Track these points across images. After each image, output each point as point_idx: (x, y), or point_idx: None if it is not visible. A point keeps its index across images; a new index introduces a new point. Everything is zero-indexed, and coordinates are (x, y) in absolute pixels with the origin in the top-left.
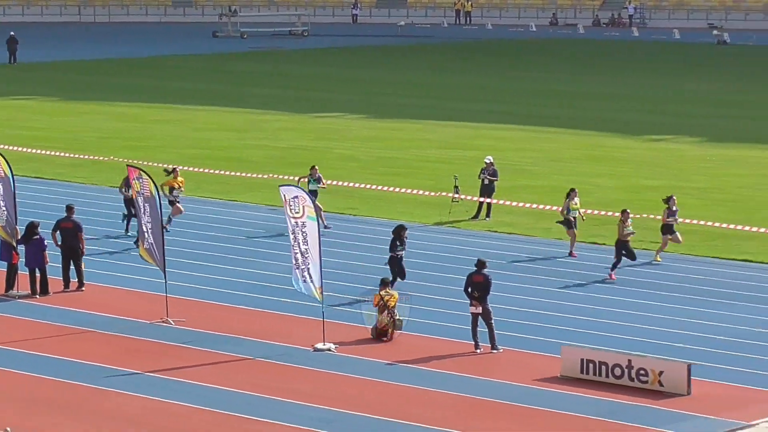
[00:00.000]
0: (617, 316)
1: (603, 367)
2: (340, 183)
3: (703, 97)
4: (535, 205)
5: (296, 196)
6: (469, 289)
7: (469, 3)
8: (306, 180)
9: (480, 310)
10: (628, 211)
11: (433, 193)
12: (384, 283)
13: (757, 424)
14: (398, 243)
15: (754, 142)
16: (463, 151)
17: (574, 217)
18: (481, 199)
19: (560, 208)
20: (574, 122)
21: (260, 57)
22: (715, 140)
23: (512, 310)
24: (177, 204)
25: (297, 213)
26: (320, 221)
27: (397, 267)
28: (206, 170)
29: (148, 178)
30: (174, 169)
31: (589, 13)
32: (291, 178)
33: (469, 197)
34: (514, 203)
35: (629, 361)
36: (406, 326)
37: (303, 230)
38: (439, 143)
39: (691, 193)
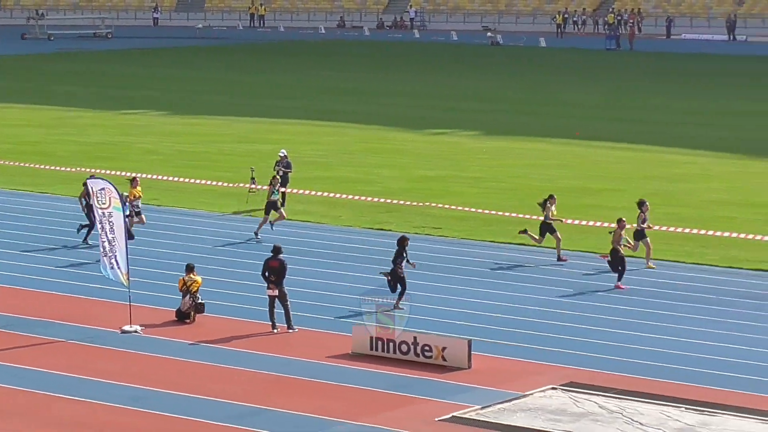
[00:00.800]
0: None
1: (391, 344)
2: (143, 176)
3: (478, 93)
4: (326, 194)
5: (103, 188)
6: (266, 273)
7: (263, 7)
8: (269, 189)
9: (276, 292)
10: (624, 220)
11: (231, 185)
12: (189, 269)
13: (531, 394)
14: (404, 255)
15: (523, 134)
16: (258, 145)
17: (550, 222)
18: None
19: (551, 216)
20: (360, 117)
21: (67, 57)
22: (490, 133)
23: (307, 293)
24: (141, 215)
25: (104, 204)
26: (259, 227)
27: (398, 277)
28: (17, 163)
29: None
30: (134, 178)
31: (374, 17)
32: (98, 171)
33: (265, 188)
34: (307, 192)
35: (415, 338)
36: (208, 308)
37: (110, 220)
38: (236, 137)
39: (468, 182)
